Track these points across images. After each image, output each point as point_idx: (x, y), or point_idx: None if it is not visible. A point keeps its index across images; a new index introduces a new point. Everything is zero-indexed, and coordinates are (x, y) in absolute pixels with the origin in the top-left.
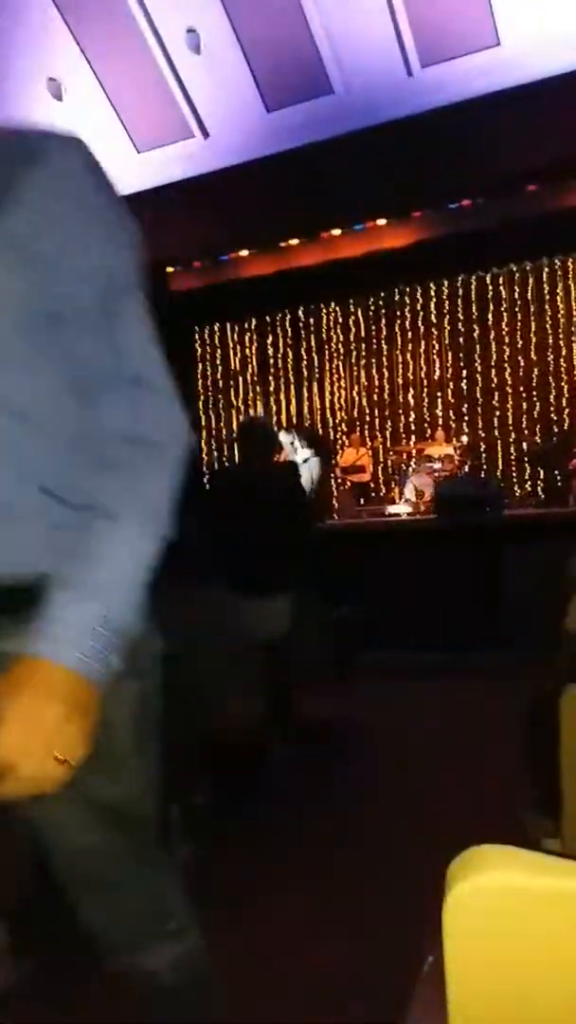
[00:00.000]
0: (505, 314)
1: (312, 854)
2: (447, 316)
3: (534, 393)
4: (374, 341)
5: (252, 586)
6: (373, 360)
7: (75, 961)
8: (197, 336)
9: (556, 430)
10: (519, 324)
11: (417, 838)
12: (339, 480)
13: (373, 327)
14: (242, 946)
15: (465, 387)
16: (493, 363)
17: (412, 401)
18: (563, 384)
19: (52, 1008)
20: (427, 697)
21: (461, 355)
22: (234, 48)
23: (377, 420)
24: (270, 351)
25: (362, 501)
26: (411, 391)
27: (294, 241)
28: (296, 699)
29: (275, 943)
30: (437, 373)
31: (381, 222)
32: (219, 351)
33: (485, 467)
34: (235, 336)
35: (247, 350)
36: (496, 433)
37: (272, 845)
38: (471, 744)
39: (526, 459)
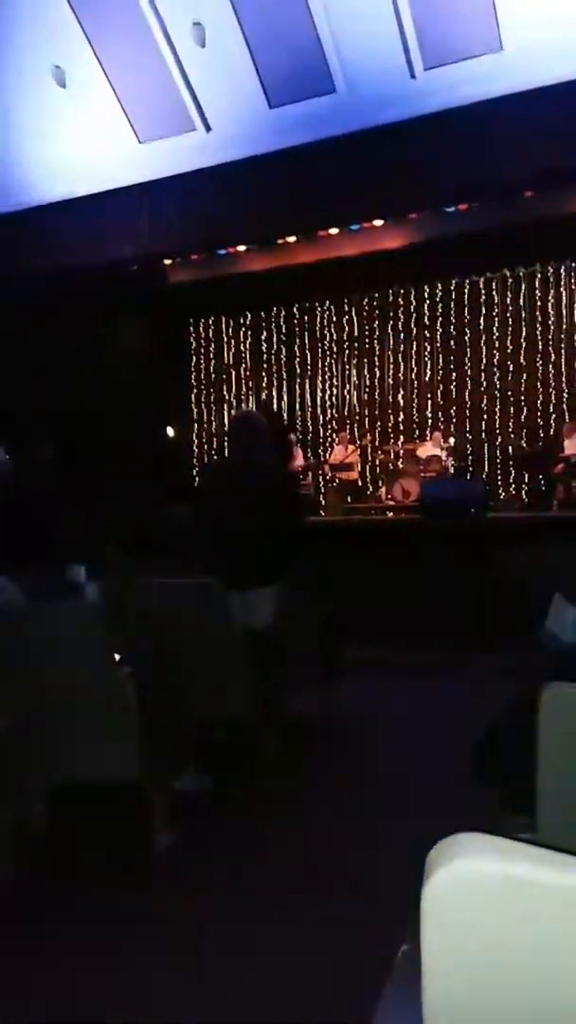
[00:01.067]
0: (497, 319)
1: (296, 844)
2: (440, 318)
3: (522, 398)
4: (367, 341)
5: (240, 579)
6: (365, 359)
7: (68, 949)
8: (192, 329)
9: (542, 435)
10: (510, 329)
11: (398, 831)
12: (328, 477)
13: (366, 327)
14: (231, 935)
15: (455, 389)
16: (483, 367)
17: (402, 401)
18: (551, 390)
19: (47, 999)
20: (408, 693)
21: (452, 358)
22: (239, 43)
23: (367, 419)
24: (264, 347)
25: (349, 499)
26: (401, 391)
27: (291, 238)
28: (282, 691)
29: (262, 932)
30: (428, 374)
31: (378, 223)
32: (213, 345)
33: (472, 469)
34: (230, 330)
35: (241, 345)
36: (483, 436)
37: (257, 834)
38: (449, 738)
39: (512, 463)
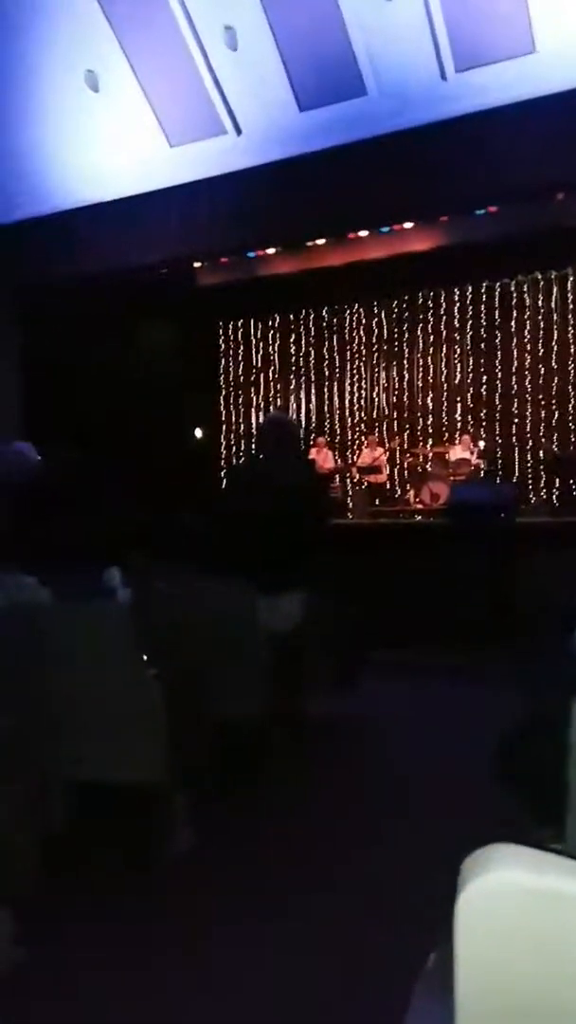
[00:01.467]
0: (528, 322)
1: (313, 846)
2: (469, 321)
3: (553, 402)
4: (396, 343)
5: (264, 581)
6: (394, 362)
7: (77, 949)
8: (221, 331)
9: (573, 439)
10: (541, 333)
11: (418, 836)
12: (356, 480)
13: (396, 329)
14: (242, 936)
15: (484, 393)
16: (513, 370)
17: (431, 404)
18: None
19: (53, 995)
20: (434, 697)
21: (482, 361)
22: (270, 46)
23: (396, 422)
24: (293, 349)
25: (377, 502)
26: (431, 394)
27: (321, 241)
28: (304, 693)
29: (276, 934)
30: (457, 378)
31: (408, 225)
32: (242, 347)
33: (501, 473)
34: (259, 333)
35: (270, 347)
36: (513, 440)
37: (273, 836)
38: (474, 746)
39: (541, 467)
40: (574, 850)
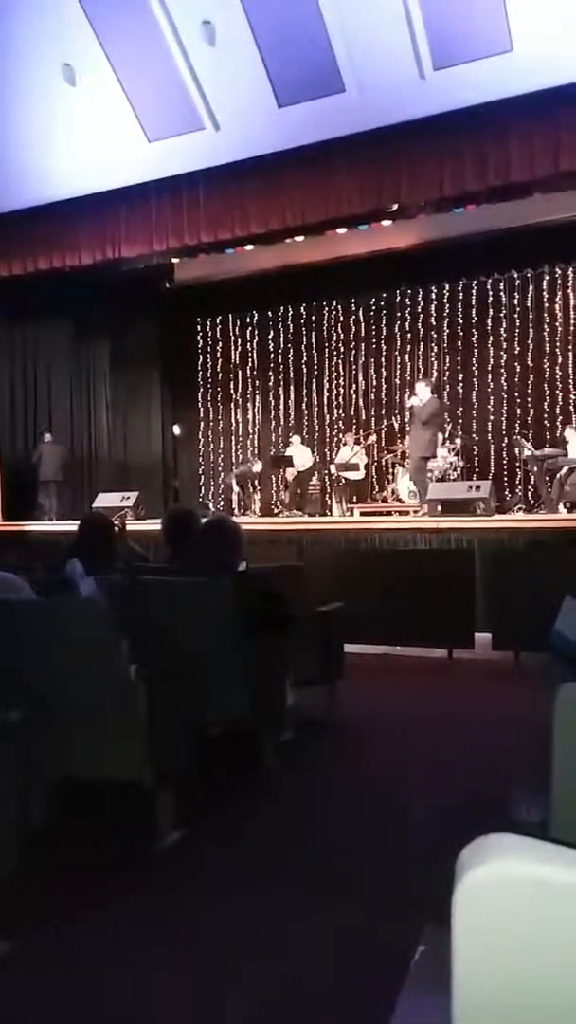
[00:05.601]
0: (504, 319)
1: (301, 843)
2: (447, 319)
3: (529, 399)
4: (374, 340)
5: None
6: (372, 359)
7: (55, 938)
8: (199, 327)
9: (548, 436)
10: (517, 330)
11: (404, 829)
12: (334, 477)
13: (373, 327)
14: (232, 934)
15: (461, 390)
16: (490, 367)
17: (408, 401)
18: (557, 392)
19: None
20: (418, 691)
21: (459, 358)
22: (249, 42)
23: (373, 419)
24: (271, 346)
25: (355, 499)
26: (408, 391)
27: (299, 238)
28: (287, 691)
29: (265, 933)
30: (434, 375)
31: (386, 223)
32: (220, 344)
33: (478, 470)
34: (237, 329)
35: (248, 344)
36: (489, 437)
37: (261, 833)
38: (448, 741)
39: (517, 464)
40: (558, 837)
